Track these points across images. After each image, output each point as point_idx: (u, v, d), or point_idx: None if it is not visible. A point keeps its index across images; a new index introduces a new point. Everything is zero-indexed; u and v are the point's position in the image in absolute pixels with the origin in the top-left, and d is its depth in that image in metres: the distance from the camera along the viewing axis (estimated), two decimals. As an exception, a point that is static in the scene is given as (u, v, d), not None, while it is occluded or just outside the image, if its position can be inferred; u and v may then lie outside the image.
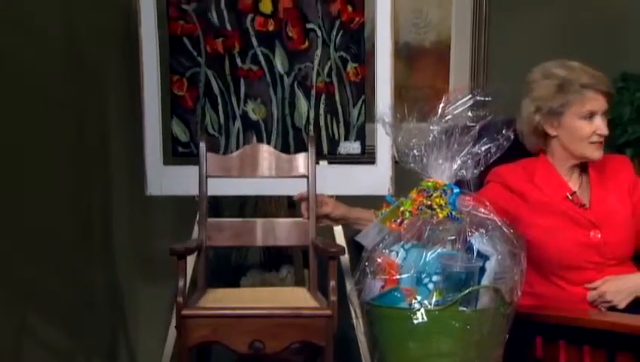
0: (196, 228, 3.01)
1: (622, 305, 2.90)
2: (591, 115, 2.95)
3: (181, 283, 2.54)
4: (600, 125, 2.94)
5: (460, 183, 2.59)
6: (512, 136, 2.59)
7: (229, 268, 3.94)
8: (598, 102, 2.95)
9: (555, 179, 3.01)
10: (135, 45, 3.34)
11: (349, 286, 3.01)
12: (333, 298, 2.51)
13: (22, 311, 3.45)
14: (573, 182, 3.04)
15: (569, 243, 2.95)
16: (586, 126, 2.95)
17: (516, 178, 2.98)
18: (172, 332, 3.15)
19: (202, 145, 2.85)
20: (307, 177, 2.84)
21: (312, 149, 2.86)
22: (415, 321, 2.44)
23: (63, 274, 3.60)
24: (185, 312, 2.49)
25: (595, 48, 3.77)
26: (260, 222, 2.93)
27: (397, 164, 2.94)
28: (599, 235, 2.97)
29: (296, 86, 3.37)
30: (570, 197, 3.00)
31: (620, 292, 2.93)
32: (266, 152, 2.90)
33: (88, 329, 3.72)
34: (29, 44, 3.41)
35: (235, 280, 3.90)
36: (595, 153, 2.97)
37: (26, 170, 3.42)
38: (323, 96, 3.37)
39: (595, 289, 2.94)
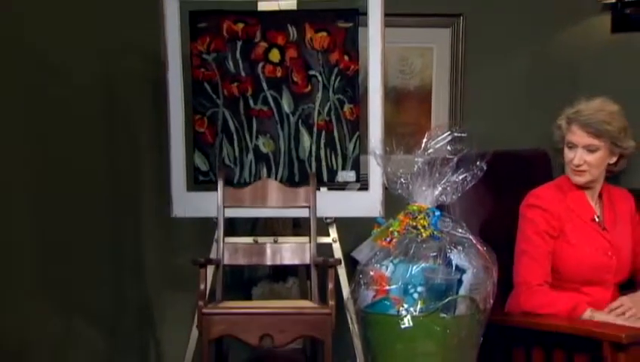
0: (214, 246, 3.00)
1: None
2: (571, 146, 2.93)
3: (202, 287, 2.55)
4: (573, 157, 2.91)
5: (441, 207, 2.59)
6: (485, 167, 2.58)
7: (242, 278, 3.92)
8: (576, 136, 2.91)
9: (584, 202, 2.98)
10: (163, 89, 3.35)
11: (346, 295, 3.00)
12: (332, 299, 2.51)
13: (69, 317, 3.48)
14: (595, 206, 3.01)
15: (593, 261, 2.93)
16: (568, 153, 2.94)
17: (555, 201, 2.95)
18: (194, 333, 3.15)
19: (220, 181, 2.86)
20: (309, 207, 2.84)
21: (312, 183, 2.86)
22: (402, 326, 2.44)
23: (102, 285, 3.62)
24: (205, 311, 2.50)
25: (552, 92, 3.77)
26: (269, 244, 2.92)
27: (387, 190, 2.94)
28: (614, 257, 2.95)
29: (300, 124, 3.37)
30: (598, 220, 2.98)
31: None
32: (274, 186, 2.90)
33: (123, 332, 3.72)
34: (72, 89, 3.45)
35: (247, 290, 3.89)
36: (574, 178, 2.95)
37: (72, 196, 3.45)
38: (323, 133, 3.37)
39: (616, 308, 2.88)
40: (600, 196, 3.03)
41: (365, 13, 3.32)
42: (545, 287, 2.88)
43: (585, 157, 2.90)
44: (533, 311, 2.85)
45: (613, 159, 2.95)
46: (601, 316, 2.85)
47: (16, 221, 3.28)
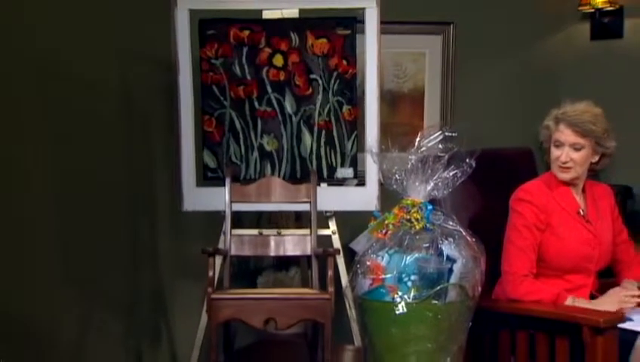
0: (222, 237, 3.00)
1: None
2: (558, 144, 2.91)
3: (210, 275, 2.54)
4: (560, 154, 2.89)
5: (433, 201, 2.57)
6: (474, 164, 2.57)
7: (248, 268, 3.92)
8: (564, 135, 2.89)
9: (569, 196, 2.97)
10: (174, 92, 3.34)
11: (345, 283, 2.99)
12: (331, 286, 2.50)
13: (88, 304, 3.48)
14: (579, 200, 3.00)
15: (577, 252, 2.92)
16: (555, 151, 2.92)
17: (543, 195, 2.93)
18: (203, 317, 3.14)
19: (227, 177, 2.85)
20: (310, 202, 2.83)
21: (313, 180, 2.85)
22: (397, 312, 2.42)
23: (120, 274, 3.62)
24: (214, 296, 2.50)
25: (536, 94, 3.76)
26: (272, 236, 2.92)
27: (382, 186, 2.92)
28: (596, 248, 2.94)
29: (302, 124, 3.36)
30: (582, 213, 2.97)
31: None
32: (277, 182, 2.89)
33: (138, 316, 3.73)
34: (93, 95, 3.45)
35: (252, 279, 3.88)
36: (560, 175, 2.93)
37: (93, 193, 3.46)
38: (323, 132, 3.36)
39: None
40: (583, 191, 3.02)
41: (362, 21, 3.31)
42: (530, 278, 2.87)
43: (571, 155, 2.89)
44: (520, 299, 2.85)
45: (596, 158, 2.94)
46: (580, 303, 2.85)
47: (42, 216, 3.29)
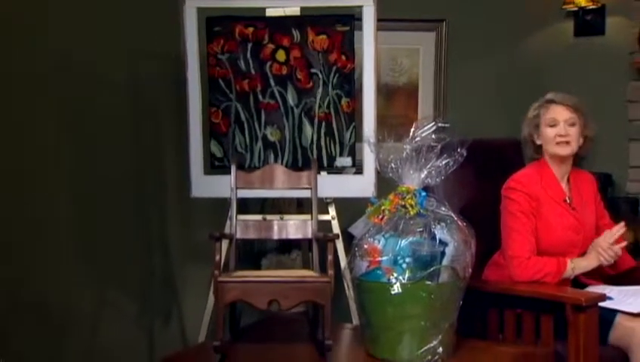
0: (228, 222, 2.99)
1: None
2: (554, 123, 2.91)
3: (217, 258, 2.53)
4: (560, 129, 2.90)
5: (426, 188, 2.57)
6: (465, 154, 2.56)
7: (252, 251, 3.92)
8: (557, 113, 2.91)
9: (556, 185, 2.97)
10: (183, 85, 3.33)
11: (343, 265, 3.00)
12: (331, 269, 2.49)
13: (103, 285, 3.47)
14: (565, 188, 3.01)
15: (564, 237, 2.93)
16: (550, 132, 2.93)
17: (532, 184, 2.94)
18: (211, 298, 3.16)
19: (233, 166, 2.84)
20: (310, 189, 2.83)
21: (314, 168, 2.85)
22: (392, 292, 2.43)
23: (132, 257, 3.61)
24: (220, 279, 2.49)
25: (523, 87, 3.76)
26: (275, 221, 2.92)
27: (379, 174, 2.92)
28: (582, 233, 2.95)
29: (303, 115, 3.35)
30: (568, 201, 2.98)
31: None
32: (280, 170, 2.88)
33: (149, 298, 3.72)
34: (106, 89, 3.44)
35: (257, 261, 3.89)
36: (560, 150, 2.94)
37: (106, 180, 3.45)
38: (323, 123, 3.35)
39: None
40: (568, 181, 3.02)
41: (360, 19, 3.30)
42: (533, 258, 2.88)
43: (567, 129, 2.90)
44: (529, 280, 2.85)
45: (581, 141, 2.95)
46: (580, 262, 2.89)
47: (60, 203, 3.29)
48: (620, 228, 2.89)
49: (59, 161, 3.28)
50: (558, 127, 2.90)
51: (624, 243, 2.90)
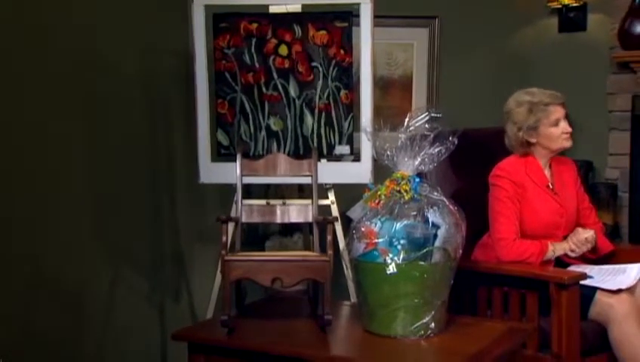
0: (234, 207, 2.98)
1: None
2: (557, 122, 2.92)
3: (224, 240, 2.52)
4: (565, 126, 2.94)
5: (420, 175, 2.56)
6: (456, 142, 2.55)
7: (257, 234, 3.92)
8: (559, 112, 2.94)
9: (540, 172, 2.98)
10: (192, 79, 3.31)
11: (342, 247, 2.99)
12: (330, 249, 2.48)
13: (116, 265, 3.45)
14: (547, 175, 3.01)
15: (548, 221, 2.95)
16: (555, 130, 2.94)
17: (517, 171, 2.95)
18: (218, 276, 3.15)
19: (238, 154, 2.82)
20: (311, 175, 2.81)
21: (314, 156, 2.83)
22: (388, 272, 2.41)
23: (144, 238, 3.60)
24: (227, 258, 2.48)
25: (510, 81, 3.73)
26: (278, 205, 2.90)
27: (375, 161, 2.90)
28: (564, 216, 2.96)
29: (304, 106, 3.33)
30: (551, 187, 2.98)
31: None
32: (283, 158, 2.86)
33: (161, 276, 3.71)
34: (120, 81, 3.41)
35: (261, 243, 3.88)
36: (567, 143, 2.97)
37: (121, 166, 3.43)
38: (323, 114, 3.33)
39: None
40: (550, 167, 3.02)
41: (358, 15, 3.27)
42: (518, 240, 2.89)
43: (567, 124, 2.96)
44: (514, 260, 2.88)
45: None
46: (559, 246, 2.92)
47: (77, 188, 3.27)
48: (592, 237, 2.93)
49: (78, 144, 3.25)
50: (562, 125, 2.93)
51: (590, 246, 2.94)
